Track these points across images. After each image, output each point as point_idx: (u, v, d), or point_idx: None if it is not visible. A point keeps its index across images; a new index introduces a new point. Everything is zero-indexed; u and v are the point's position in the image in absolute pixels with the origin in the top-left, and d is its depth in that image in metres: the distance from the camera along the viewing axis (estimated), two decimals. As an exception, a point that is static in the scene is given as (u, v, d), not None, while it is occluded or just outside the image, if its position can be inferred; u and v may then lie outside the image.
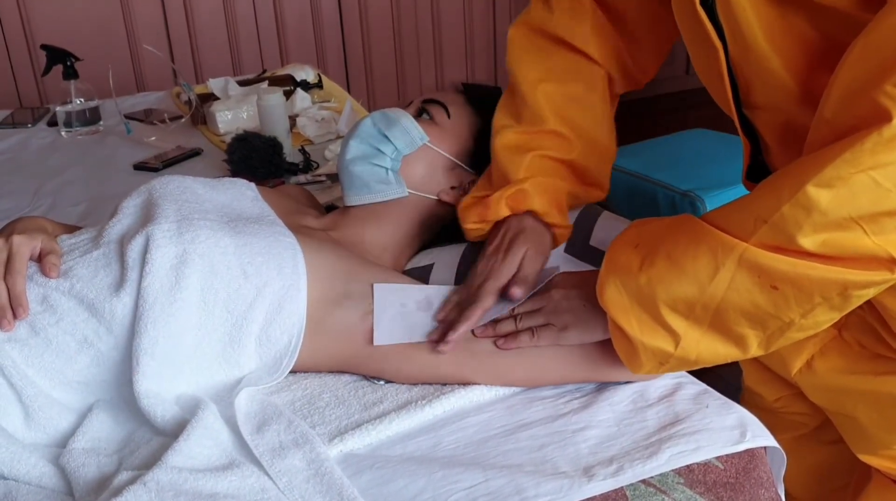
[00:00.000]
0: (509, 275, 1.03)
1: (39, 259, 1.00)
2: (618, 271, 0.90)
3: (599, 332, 0.95)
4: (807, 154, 0.77)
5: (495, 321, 1.01)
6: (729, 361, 0.88)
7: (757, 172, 0.97)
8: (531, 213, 1.08)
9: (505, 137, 1.12)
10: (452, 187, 1.22)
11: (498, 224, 1.10)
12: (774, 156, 0.94)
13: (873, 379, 0.99)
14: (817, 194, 0.73)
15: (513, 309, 1.01)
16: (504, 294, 1.02)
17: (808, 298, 0.79)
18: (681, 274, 0.84)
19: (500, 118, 1.14)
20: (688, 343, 0.86)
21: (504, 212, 1.08)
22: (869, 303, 0.91)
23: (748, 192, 0.98)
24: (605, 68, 1.13)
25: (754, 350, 0.85)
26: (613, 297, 0.89)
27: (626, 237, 0.93)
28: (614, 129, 1.17)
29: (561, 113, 1.11)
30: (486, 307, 1.01)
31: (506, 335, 1.00)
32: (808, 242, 0.75)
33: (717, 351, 0.87)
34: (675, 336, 0.87)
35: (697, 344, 0.86)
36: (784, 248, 0.77)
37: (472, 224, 1.11)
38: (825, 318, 0.81)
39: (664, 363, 0.89)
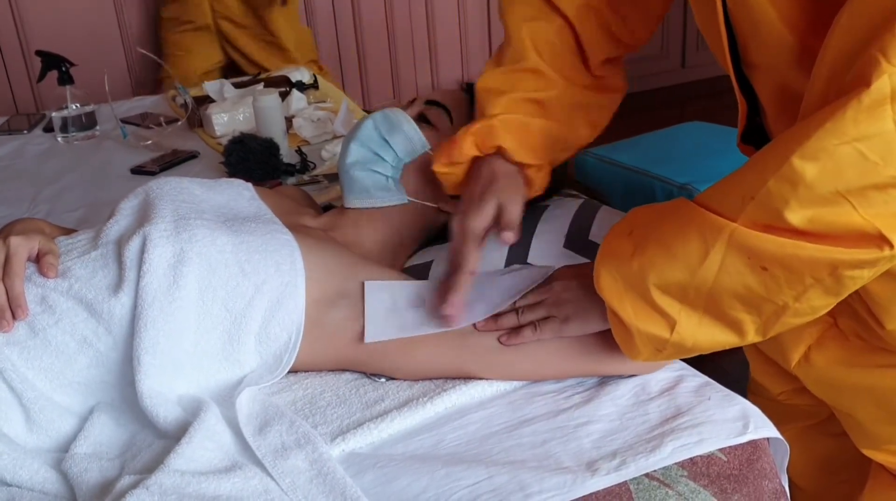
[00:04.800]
0: (489, 218, 1.01)
1: (37, 260, 1.00)
2: (612, 258, 0.89)
3: (600, 321, 0.95)
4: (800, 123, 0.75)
5: (497, 316, 1.01)
6: (727, 347, 0.87)
7: (753, 134, 0.96)
8: (500, 153, 1.05)
9: (484, 78, 1.10)
10: (452, 196, 1.21)
11: (470, 175, 1.07)
12: (771, 119, 0.93)
13: (871, 372, 0.98)
14: (802, 166, 0.71)
15: (514, 303, 1.01)
16: (498, 239, 1.01)
17: (799, 279, 0.77)
18: (672, 258, 0.83)
19: (487, 65, 1.12)
20: (683, 329, 0.85)
21: (471, 150, 1.05)
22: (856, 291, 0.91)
23: (743, 155, 0.97)
24: (578, 30, 1.08)
25: (752, 336, 0.84)
26: (608, 284, 0.89)
27: (621, 226, 0.92)
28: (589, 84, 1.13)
29: (542, 51, 1.08)
30: (473, 250, 0.99)
31: (509, 330, 0.99)
32: (795, 217, 0.73)
33: (714, 337, 0.86)
34: (669, 321, 0.86)
35: (694, 330, 0.85)
36: (772, 226, 0.76)
37: (442, 167, 1.08)
38: (820, 302, 0.80)
39: (661, 349, 0.88)
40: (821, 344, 1.03)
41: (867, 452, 1.05)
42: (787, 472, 0.99)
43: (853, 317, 0.98)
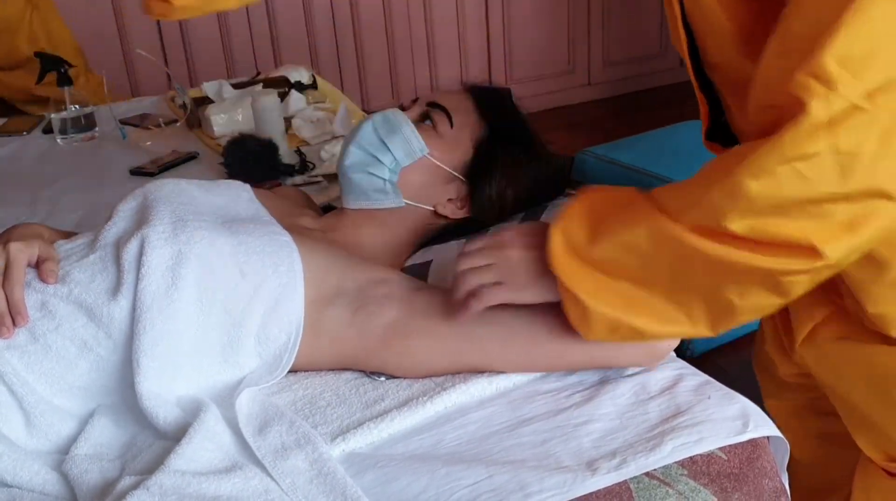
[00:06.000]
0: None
1: (37, 266, 1.00)
2: (568, 241, 0.90)
3: (554, 293, 0.94)
4: (747, 133, 0.79)
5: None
6: (680, 336, 0.90)
7: (719, 131, 0.99)
8: None
9: None
10: (449, 200, 1.20)
11: None
12: (734, 116, 0.95)
13: (865, 350, 1.00)
14: (746, 183, 0.75)
15: (458, 268, 0.98)
16: None
17: (739, 279, 0.81)
18: (626, 252, 0.86)
19: None
20: (637, 311, 0.88)
21: None
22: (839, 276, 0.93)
23: (711, 153, 0.99)
24: None
25: (702, 327, 0.86)
26: (564, 263, 0.90)
27: (575, 209, 0.93)
28: None
29: None
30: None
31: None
32: (735, 226, 0.77)
33: (667, 321, 0.87)
34: (625, 301, 0.88)
35: (648, 315, 0.88)
36: (714, 232, 0.79)
37: None
38: (765, 302, 0.82)
39: (615, 330, 0.90)
40: (826, 323, 1.04)
41: (859, 442, 1.06)
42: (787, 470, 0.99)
43: (852, 298, 0.99)
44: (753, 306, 0.83)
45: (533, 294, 0.96)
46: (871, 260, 0.87)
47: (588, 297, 0.88)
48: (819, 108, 0.70)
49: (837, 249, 0.75)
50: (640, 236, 0.85)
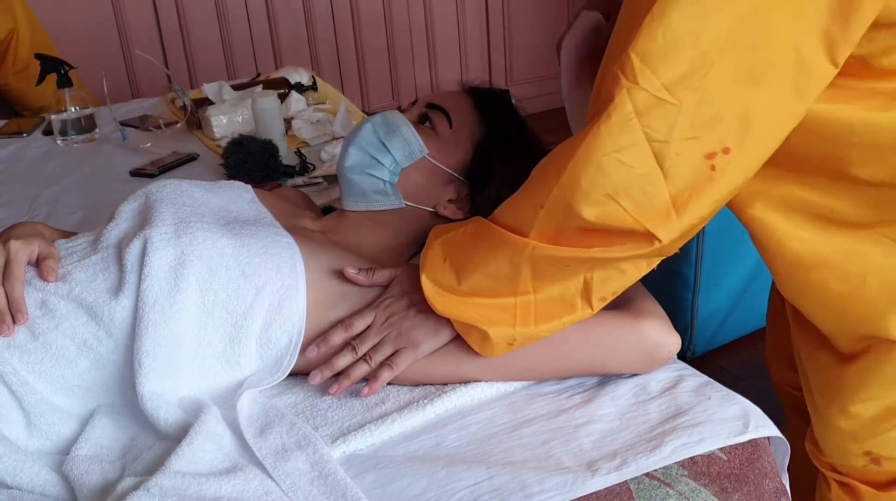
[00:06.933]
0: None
1: (37, 264, 1.00)
2: (441, 286, 0.97)
3: (449, 331, 1.00)
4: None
5: (340, 361, 1.00)
6: (568, 324, 0.94)
7: None
8: None
9: None
10: (449, 200, 1.20)
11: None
12: None
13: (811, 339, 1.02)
14: (578, 176, 0.81)
15: (353, 346, 1.00)
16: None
17: (591, 267, 0.89)
18: (494, 278, 0.93)
19: None
20: (524, 321, 0.93)
21: None
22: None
23: None
24: None
25: (580, 308, 0.92)
26: (448, 306, 0.96)
27: (433, 253, 0.99)
28: None
29: None
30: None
31: (369, 381, 1.00)
32: (586, 213, 0.83)
33: (552, 318, 0.94)
34: (510, 315, 0.94)
35: (535, 321, 0.93)
36: (561, 232, 0.86)
37: None
38: (616, 283, 0.91)
39: (512, 342, 0.95)
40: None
41: (807, 446, 1.08)
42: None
43: None
44: (610, 289, 0.91)
45: (433, 344, 1.00)
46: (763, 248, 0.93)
47: (480, 322, 0.94)
48: (624, 99, 0.77)
49: (669, 231, 0.82)
50: (501, 264, 0.91)
